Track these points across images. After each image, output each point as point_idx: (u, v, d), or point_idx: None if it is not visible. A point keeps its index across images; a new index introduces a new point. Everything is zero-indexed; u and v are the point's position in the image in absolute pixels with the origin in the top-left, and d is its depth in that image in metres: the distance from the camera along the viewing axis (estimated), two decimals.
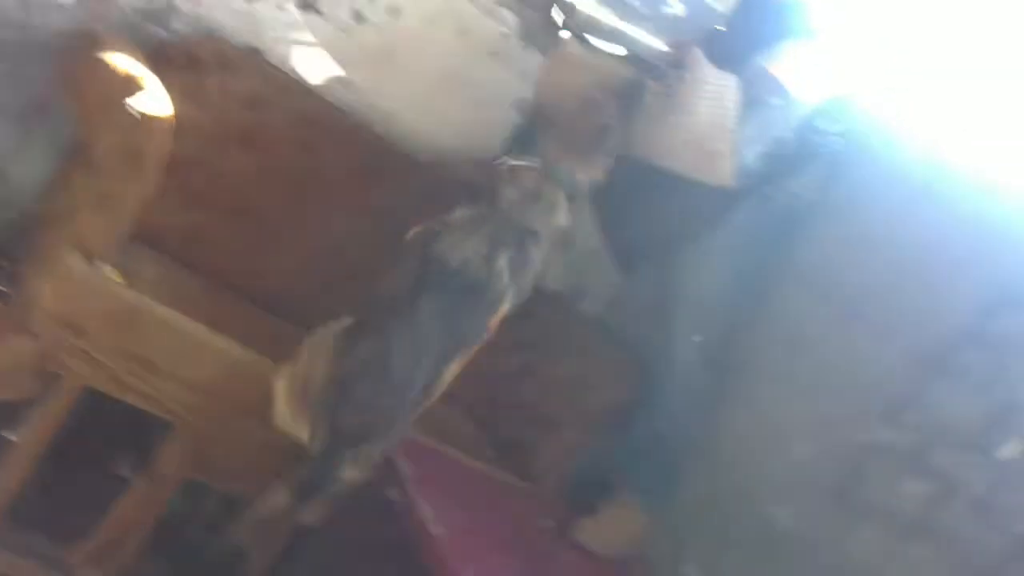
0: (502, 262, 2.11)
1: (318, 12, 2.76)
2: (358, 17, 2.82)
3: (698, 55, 2.30)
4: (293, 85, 2.72)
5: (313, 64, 2.80)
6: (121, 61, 2.15)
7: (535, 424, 2.66)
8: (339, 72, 2.85)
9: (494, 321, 2.16)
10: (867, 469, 2.25)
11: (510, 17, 2.98)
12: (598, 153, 2.30)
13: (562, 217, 2.24)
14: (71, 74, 2.30)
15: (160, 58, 2.40)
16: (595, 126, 2.29)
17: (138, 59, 2.23)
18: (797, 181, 2.41)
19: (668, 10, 3.00)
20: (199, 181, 2.50)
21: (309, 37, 2.77)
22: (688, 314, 2.48)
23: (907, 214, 2.34)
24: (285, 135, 2.67)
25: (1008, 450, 1.97)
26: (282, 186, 2.64)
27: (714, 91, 2.25)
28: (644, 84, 2.35)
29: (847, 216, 2.47)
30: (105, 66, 2.13)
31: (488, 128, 2.84)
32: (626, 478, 2.55)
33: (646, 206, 2.45)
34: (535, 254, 2.18)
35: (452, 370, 2.14)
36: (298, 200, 2.68)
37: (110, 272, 2.15)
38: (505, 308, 2.17)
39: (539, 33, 3.02)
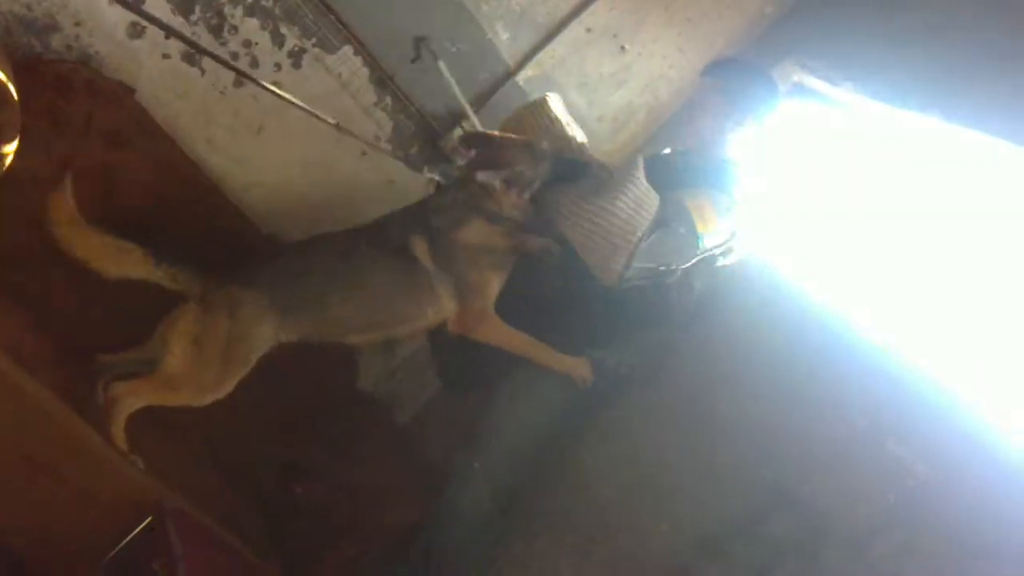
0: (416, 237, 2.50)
1: (200, 68, 2.74)
2: (239, 83, 2.81)
3: (639, 164, 2.44)
4: (157, 131, 2.67)
5: (183, 116, 2.76)
6: None
7: (322, 528, 2.62)
8: (207, 131, 2.82)
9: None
10: None
11: (386, 122, 3.05)
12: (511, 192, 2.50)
13: (472, 234, 2.49)
14: None
15: (29, 72, 2.31)
16: (519, 167, 2.48)
17: (5, 68, 2.14)
18: (627, 349, 2.58)
19: None
20: (38, 203, 2.37)
21: (186, 89, 2.74)
22: (488, 447, 2.52)
23: (708, 395, 2.49)
24: (137, 177, 2.61)
25: None
26: (122, 227, 2.53)
27: (638, 197, 2.38)
28: (585, 165, 2.53)
29: (657, 386, 2.60)
30: None
31: (338, 221, 2.85)
32: None
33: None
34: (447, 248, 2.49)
35: None
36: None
37: None
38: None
39: (409, 144, 3.12)
